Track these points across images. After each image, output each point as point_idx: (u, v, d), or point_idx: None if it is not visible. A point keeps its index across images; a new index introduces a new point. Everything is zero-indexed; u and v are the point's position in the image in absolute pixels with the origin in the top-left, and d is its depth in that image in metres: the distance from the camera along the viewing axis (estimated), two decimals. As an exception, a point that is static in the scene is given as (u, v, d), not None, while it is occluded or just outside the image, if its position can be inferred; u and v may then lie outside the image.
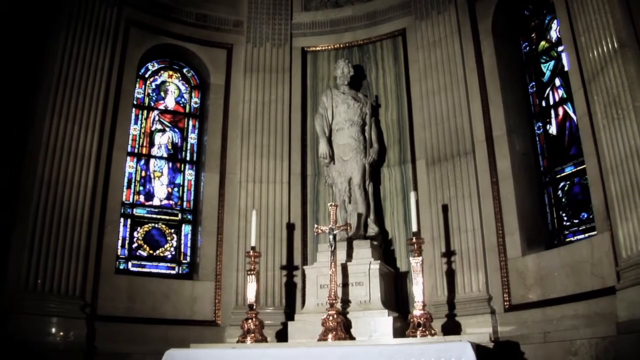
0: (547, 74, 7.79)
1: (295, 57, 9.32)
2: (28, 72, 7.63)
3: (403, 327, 6.60)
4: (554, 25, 7.71)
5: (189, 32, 9.26)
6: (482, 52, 8.04)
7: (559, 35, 7.50)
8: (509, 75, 7.92)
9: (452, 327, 7.03)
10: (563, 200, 7.28)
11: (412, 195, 7.03)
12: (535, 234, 7.22)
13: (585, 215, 6.92)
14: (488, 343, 6.30)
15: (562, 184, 7.32)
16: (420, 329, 6.16)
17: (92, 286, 7.54)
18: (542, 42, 7.94)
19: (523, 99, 7.93)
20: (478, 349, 5.35)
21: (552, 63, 7.75)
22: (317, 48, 9.42)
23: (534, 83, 7.94)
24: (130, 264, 8.33)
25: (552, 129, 7.60)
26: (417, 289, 6.39)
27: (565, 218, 7.23)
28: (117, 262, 8.13)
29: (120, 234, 8.29)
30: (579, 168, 7.03)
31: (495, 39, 7.98)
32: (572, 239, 7.01)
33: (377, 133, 8.43)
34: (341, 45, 9.35)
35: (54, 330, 6.98)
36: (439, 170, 7.88)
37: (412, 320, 6.29)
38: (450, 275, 7.41)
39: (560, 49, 7.52)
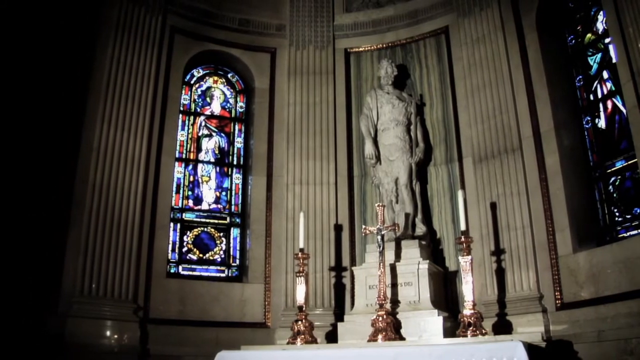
0: (594, 67, 7.64)
1: (338, 58, 9.33)
2: (78, 82, 7.81)
3: (453, 327, 6.56)
4: (600, 16, 7.56)
5: (232, 38, 9.36)
6: (527, 47, 7.91)
7: (605, 27, 7.35)
8: (555, 70, 7.78)
9: (503, 327, 6.95)
10: (614, 195, 7.13)
11: (460, 193, 6.97)
12: (586, 231, 7.08)
13: (638, 210, 6.78)
14: (540, 342, 6.17)
15: (612, 178, 7.17)
16: (471, 328, 6.12)
17: (144, 290, 7.68)
18: (588, 35, 7.79)
19: (570, 93, 7.78)
20: (530, 348, 5.27)
21: (599, 56, 7.60)
22: (360, 49, 9.41)
23: (581, 77, 7.78)
24: (180, 267, 8.45)
25: (601, 123, 7.45)
26: (467, 288, 6.35)
27: (617, 213, 7.08)
28: (168, 266, 8.26)
29: (171, 238, 8.42)
30: (630, 162, 6.89)
31: (540, 34, 7.85)
32: (624, 234, 6.85)
33: (422, 132, 8.38)
34: (384, 45, 9.32)
35: (108, 333, 7.15)
36: (487, 167, 7.79)
37: (462, 319, 6.25)
38: (500, 273, 7.32)
39: (607, 40, 7.37)
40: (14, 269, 6.78)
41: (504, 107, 7.83)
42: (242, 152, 9.33)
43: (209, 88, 9.58)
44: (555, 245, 7.09)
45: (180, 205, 8.71)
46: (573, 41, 7.99)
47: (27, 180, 7.16)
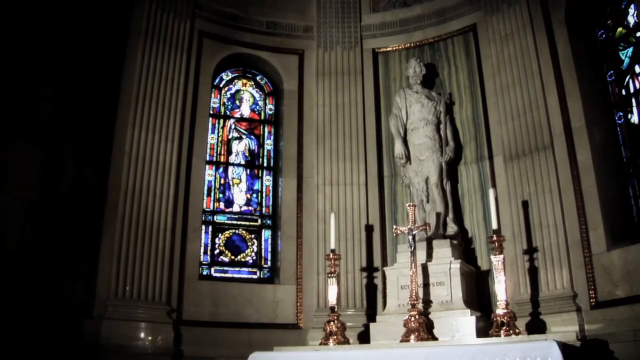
0: (626, 61, 7.52)
1: (366, 58, 9.32)
2: (109, 89, 7.92)
3: (486, 327, 6.52)
4: (631, 10, 7.46)
5: (260, 40, 9.41)
6: (557, 42, 7.80)
7: (636, 20, 7.28)
8: (585, 65, 7.68)
9: (536, 326, 6.87)
10: (649, 191, 7.05)
11: (491, 192, 6.91)
12: (620, 228, 6.97)
13: (674, 207, 6.68)
14: (575, 342, 6.08)
15: (647, 174, 7.08)
16: (504, 328, 6.09)
17: (177, 292, 7.78)
18: (619, 29, 7.67)
19: (601, 89, 7.67)
20: (564, 348, 5.22)
21: (630, 50, 7.49)
22: (388, 49, 9.39)
23: (612, 71, 7.67)
24: (212, 269, 8.52)
25: (634, 118, 7.32)
26: (500, 288, 6.32)
27: (651, 210, 6.99)
28: (200, 268, 8.34)
29: (202, 241, 8.50)
30: (664, 158, 6.79)
31: (569, 29, 7.74)
32: (660, 232, 6.75)
33: (452, 131, 8.34)
34: (412, 45, 9.28)
35: (142, 335, 7.25)
36: (518, 165, 7.71)
37: (495, 319, 6.22)
38: (533, 272, 7.24)
39: (638, 34, 7.27)
40: (50, 273, 6.90)
41: (534, 104, 7.75)
42: (272, 154, 9.37)
43: (238, 91, 9.64)
44: (589, 243, 6.99)
45: (211, 207, 8.78)
46: (603, 35, 7.88)
47: (62, 185, 7.28)
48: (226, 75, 9.59)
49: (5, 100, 6.74)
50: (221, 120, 9.32)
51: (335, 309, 7.09)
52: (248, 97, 9.64)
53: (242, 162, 9.25)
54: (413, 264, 6.77)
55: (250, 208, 9.05)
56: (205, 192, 8.72)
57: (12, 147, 6.71)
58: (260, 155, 9.37)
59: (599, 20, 7.93)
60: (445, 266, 7.05)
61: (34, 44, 7.14)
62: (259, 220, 9.00)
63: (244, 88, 9.69)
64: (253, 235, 8.89)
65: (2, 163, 6.59)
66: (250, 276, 8.68)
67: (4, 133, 6.62)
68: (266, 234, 8.94)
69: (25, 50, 7.05)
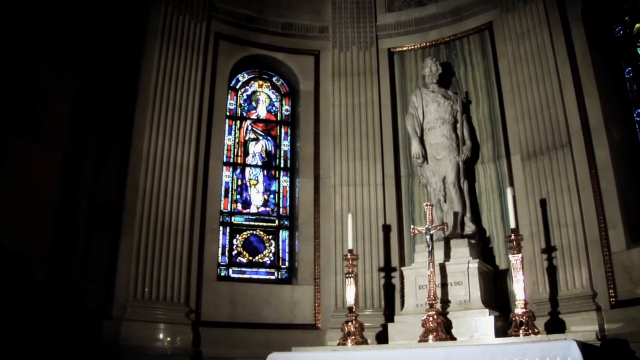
0: (644, 57, 7.48)
1: (382, 58, 9.31)
2: (127, 91, 7.99)
3: (505, 327, 6.48)
4: (650, 5, 7.41)
5: (275, 42, 9.43)
6: (573, 40, 7.74)
7: (655, 16, 7.21)
8: (602, 62, 7.61)
9: (555, 325, 6.82)
10: (669, 189, 6.97)
11: (509, 191, 6.86)
12: (640, 226, 6.94)
13: (694, 204, 6.61)
14: (594, 341, 6.05)
15: (667, 172, 7.01)
16: (523, 327, 6.03)
17: (195, 293, 7.82)
18: (637, 25, 7.61)
19: (619, 86, 7.61)
20: (584, 347, 5.17)
21: (649, 45, 7.45)
22: (404, 48, 9.37)
23: (630, 68, 7.60)
24: (230, 270, 8.55)
25: (653, 115, 7.29)
26: (518, 287, 6.28)
27: (672, 208, 6.92)
28: (218, 269, 8.38)
29: (220, 242, 8.53)
30: (684, 154, 6.72)
31: (586, 26, 7.68)
32: (680, 230, 6.68)
33: (469, 130, 8.30)
34: (427, 44, 9.26)
35: (161, 336, 7.30)
36: (535, 164, 7.66)
37: (513, 319, 6.17)
38: (552, 271, 7.20)
39: (657, 30, 7.22)
40: (70, 274, 6.96)
41: (551, 102, 7.69)
42: (289, 155, 9.39)
43: (254, 92, 9.67)
44: (608, 241, 6.92)
45: (229, 209, 8.81)
46: (621, 32, 7.82)
47: (81, 187, 7.34)
48: (242, 77, 9.63)
49: (25, 103, 6.81)
50: (238, 122, 9.35)
51: (353, 309, 7.08)
52: (264, 98, 9.67)
53: (259, 163, 9.27)
54: (431, 263, 6.74)
55: (267, 209, 9.07)
56: (223, 193, 8.75)
57: (32, 150, 6.77)
58: (277, 156, 9.39)
59: (616, 17, 7.87)
60: (463, 266, 7.03)
61: (52, 44, 7.19)
62: (277, 221, 9.02)
63: (260, 89, 9.72)
64: (271, 236, 8.92)
65: (22, 165, 6.66)
66: (268, 277, 8.70)
67: (24, 136, 6.69)
68: (284, 234, 8.96)
69: (45, 50, 7.11)
